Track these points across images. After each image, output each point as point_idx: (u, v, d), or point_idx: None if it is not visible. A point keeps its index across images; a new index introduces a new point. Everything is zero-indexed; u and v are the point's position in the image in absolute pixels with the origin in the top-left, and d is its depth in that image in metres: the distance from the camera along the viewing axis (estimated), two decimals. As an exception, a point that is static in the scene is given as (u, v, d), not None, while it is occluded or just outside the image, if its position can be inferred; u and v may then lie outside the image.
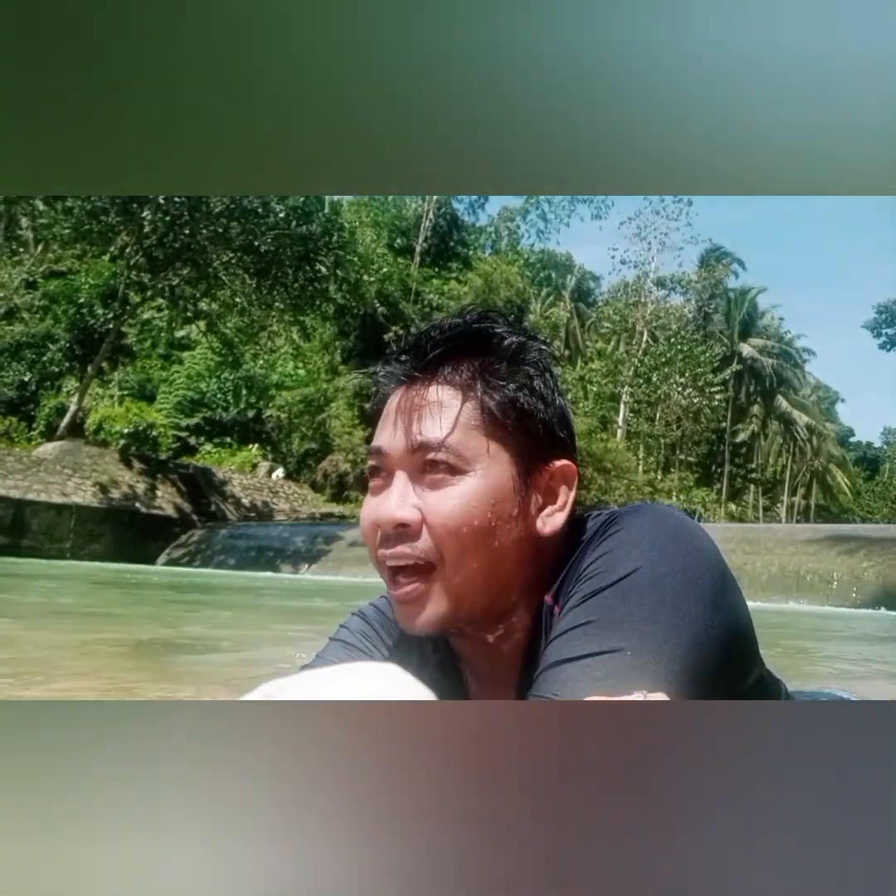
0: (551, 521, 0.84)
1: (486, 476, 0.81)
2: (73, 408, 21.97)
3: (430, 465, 0.81)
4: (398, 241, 31.31)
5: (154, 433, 23.03)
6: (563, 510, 0.84)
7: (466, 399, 0.82)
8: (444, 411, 0.81)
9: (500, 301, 26.97)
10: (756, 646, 0.83)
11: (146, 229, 20.20)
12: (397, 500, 0.81)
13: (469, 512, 0.79)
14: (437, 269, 30.80)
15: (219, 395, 27.77)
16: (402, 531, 0.80)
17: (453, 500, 0.79)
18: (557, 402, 0.86)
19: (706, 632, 0.73)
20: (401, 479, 0.82)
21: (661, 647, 0.70)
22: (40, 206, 18.99)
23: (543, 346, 0.87)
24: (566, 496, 0.85)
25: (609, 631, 0.72)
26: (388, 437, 0.83)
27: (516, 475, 0.82)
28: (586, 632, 0.72)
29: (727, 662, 0.75)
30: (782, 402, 39.66)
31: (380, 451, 0.84)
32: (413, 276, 29.58)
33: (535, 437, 0.83)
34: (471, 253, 32.70)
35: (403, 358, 0.85)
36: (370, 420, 0.92)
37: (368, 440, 0.92)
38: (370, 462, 0.86)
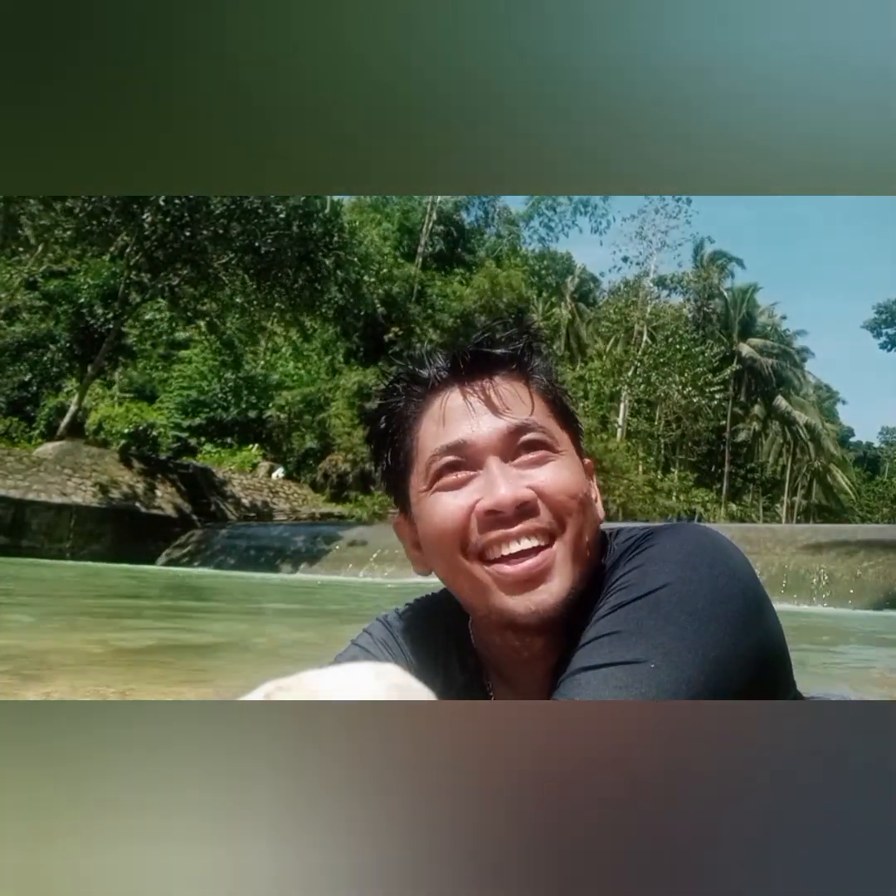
0: (599, 508, 0.89)
1: (573, 458, 0.86)
2: (73, 408, 21.96)
3: (526, 446, 0.82)
4: (406, 243, 31.28)
5: (154, 433, 23.03)
6: (598, 501, 0.90)
7: (533, 393, 0.85)
8: (524, 399, 0.84)
9: (501, 304, 26.97)
10: (790, 672, 0.81)
11: (147, 230, 20.18)
12: (506, 482, 0.79)
13: (577, 483, 0.83)
14: (443, 273, 30.79)
15: (219, 396, 27.75)
16: (522, 510, 0.79)
17: (565, 471, 0.82)
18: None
19: (732, 654, 0.71)
20: (495, 463, 0.81)
21: (684, 666, 0.69)
22: (41, 207, 18.97)
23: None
24: (595, 490, 0.90)
25: (634, 642, 0.71)
26: (470, 428, 0.82)
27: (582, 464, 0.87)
28: (612, 641, 0.72)
29: (754, 687, 0.73)
30: (782, 402, 39.63)
31: (464, 443, 0.82)
32: (415, 278, 29.56)
33: (578, 434, 0.89)
34: (475, 258, 32.70)
35: (446, 362, 0.86)
36: (394, 421, 0.89)
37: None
38: (445, 459, 0.83)
